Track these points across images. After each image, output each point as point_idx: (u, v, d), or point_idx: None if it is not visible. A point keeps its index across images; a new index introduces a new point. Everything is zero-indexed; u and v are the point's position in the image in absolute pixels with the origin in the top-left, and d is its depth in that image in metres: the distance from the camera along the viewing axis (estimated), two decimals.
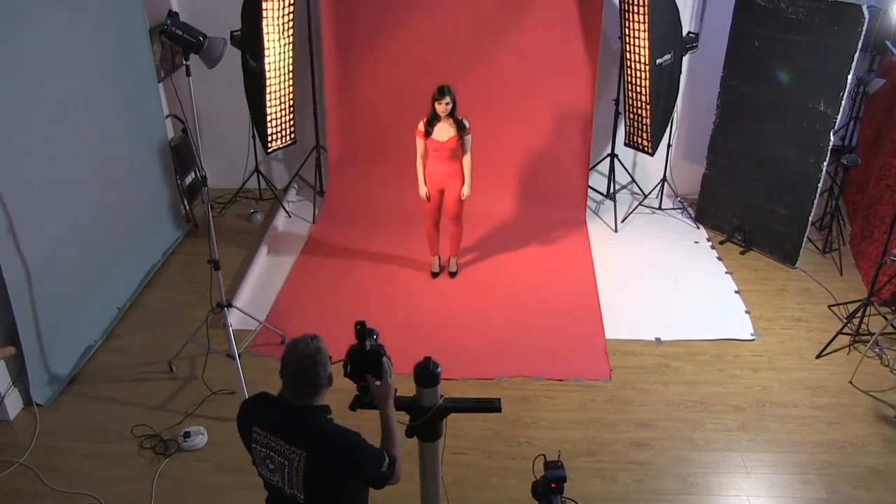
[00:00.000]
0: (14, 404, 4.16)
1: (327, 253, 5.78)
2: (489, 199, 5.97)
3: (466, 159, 4.98)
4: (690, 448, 3.97)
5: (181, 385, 4.40)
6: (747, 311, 5.10)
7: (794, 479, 3.77)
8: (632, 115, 5.79)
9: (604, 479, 3.77)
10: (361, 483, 2.30)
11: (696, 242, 6.00)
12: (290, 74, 5.73)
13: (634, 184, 6.53)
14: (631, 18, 5.33)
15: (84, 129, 4.67)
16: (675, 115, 6.02)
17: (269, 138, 5.77)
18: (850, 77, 4.91)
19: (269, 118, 5.68)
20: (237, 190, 6.58)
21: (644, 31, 5.25)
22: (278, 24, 5.39)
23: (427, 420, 2.49)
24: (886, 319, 4.57)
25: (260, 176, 6.53)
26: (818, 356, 4.64)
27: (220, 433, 4.00)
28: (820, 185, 5.28)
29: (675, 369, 4.55)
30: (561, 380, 4.45)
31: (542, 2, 5.78)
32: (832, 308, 5.10)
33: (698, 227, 6.18)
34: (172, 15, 3.83)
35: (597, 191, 6.58)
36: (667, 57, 5.39)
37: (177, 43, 3.76)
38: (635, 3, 5.22)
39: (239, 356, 4.31)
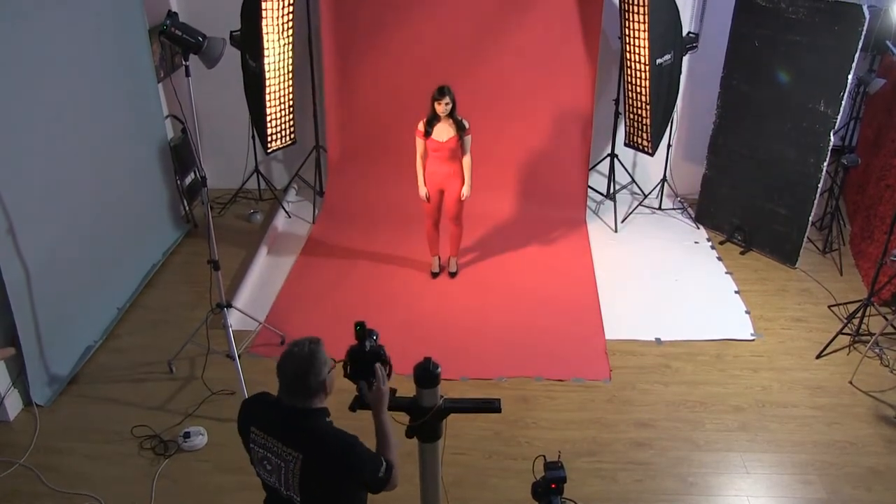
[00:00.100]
0: (14, 405, 4.16)
1: (327, 253, 5.78)
2: (489, 200, 5.97)
3: (466, 159, 4.97)
4: (690, 448, 3.97)
5: (181, 385, 4.40)
6: (747, 312, 5.10)
7: (794, 480, 3.77)
8: (632, 116, 5.78)
9: (604, 480, 3.77)
10: (359, 487, 2.29)
11: (696, 242, 6.00)
12: (290, 74, 5.72)
13: (634, 184, 6.52)
14: (631, 18, 5.33)
15: (84, 129, 4.67)
16: (675, 116, 6.02)
17: (269, 138, 5.76)
18: (850, 77, 4.91)
19: (268, 118, 5.68)
20: (237, 190, 6.58)
21: (644, 31, 5.25)
22: (278, 25, 5.39)
23: (427, 420, 2.49)
24: (886, 319, 4.57)
25: (260, 176, 6.53)
26: (818, 356, 4.64)
27: (220, 434, 3.99)
28: (820, 186, 5.28)
29: (675, 369, 4.55)
30: (561, 380, 4.45)
31: (542, 2, 5.78)
32: (832, 308, 5.09)
33: (698, 228, 6.18)
34: (172, 15, 3.84)
35: (597, 191, 6.58)
36: (667, 57, 5.39)
37: (176, 43, 3.75)
38: (635, 3, 5.22)
39: (239, 356, 4.31)
